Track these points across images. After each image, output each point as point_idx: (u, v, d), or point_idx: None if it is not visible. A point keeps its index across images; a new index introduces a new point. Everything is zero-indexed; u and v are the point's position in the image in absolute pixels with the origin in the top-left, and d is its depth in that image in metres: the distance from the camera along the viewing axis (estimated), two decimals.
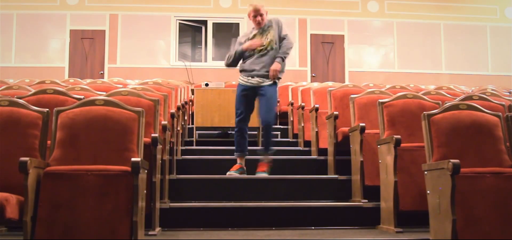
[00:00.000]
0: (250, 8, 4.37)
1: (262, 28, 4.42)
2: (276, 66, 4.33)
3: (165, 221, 3.47)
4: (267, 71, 4.35)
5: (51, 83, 5.44)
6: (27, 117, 2.89)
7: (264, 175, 4.25)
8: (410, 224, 3.32)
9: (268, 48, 4.38)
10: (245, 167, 4.36)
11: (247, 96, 4.42)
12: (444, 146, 3.01)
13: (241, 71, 4.48)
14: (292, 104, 6.57)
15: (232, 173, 4.26)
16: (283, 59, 4.38)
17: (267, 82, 4.37)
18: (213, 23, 10.89)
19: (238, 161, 4.38)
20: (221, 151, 5.19)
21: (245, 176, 4.26)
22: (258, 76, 4.37)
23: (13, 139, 2.81)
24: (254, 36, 4.44)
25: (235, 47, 4.50)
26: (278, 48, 4.39)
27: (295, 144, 5.91)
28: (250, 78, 4.39)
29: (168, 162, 3.95)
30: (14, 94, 3.91)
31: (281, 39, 4.41)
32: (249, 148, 4.52)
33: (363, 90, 4.68)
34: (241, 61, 4.50)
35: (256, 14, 4.35)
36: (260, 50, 4.38)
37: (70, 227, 2.55)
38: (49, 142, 2.94)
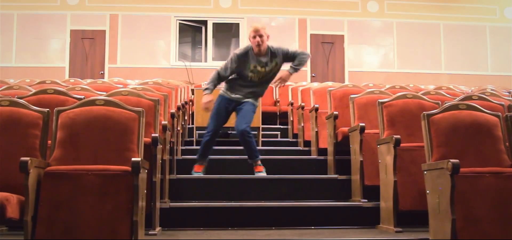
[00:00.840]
0: (250, 29, 4.20)
1: (263, 56, 4.22)
2: (285, 75, 4.25)
3: (165, 221, 3.47)
4: (251, 97, 4.31)
5: (51, 83, 5.45)
6: (27, 117, 2.89)
7: (263, 174, 4.24)
8: (409, 224, 3.32)
9: (264, 79, 4.31)
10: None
11: (227, 109, 4.34)
12: (444, 146, 3.01)
13: (227, 85, 4.36)
14: (292, 104, 6.57)
15: (200, 174, 4.25)
16: (295, 70, 4.28)
17: (249, 100, 4.32)
18: (213, 23, 10.89)
19: (200, 163, 4.31)
20: (221, 151, 5.18)
21: (245, 176, 4.25)
22: (242, 96, 4.31)
23: (14, 139, 2.82)
24: (254, 66, 4.23)
25: (229, 64, 4.24)
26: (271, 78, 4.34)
27: (295, 144, 5.92)
28: (234, 95, 4.31)
29: (168, 162, 3.95)
30: (15, 94, 3.92)
31: (293, 55, 4.27)
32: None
33: (363, 90, 4.69)
34: (231, 79, 4.33)
35: (256, 34, 4.13)
36: (253, 79, 4.26)
37: (70, 227, 2.55)
38: (49, 142, 2.95)
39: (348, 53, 10.88)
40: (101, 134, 2.93)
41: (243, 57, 4.22)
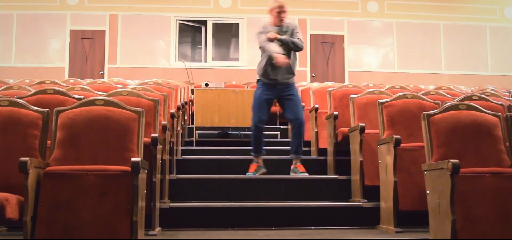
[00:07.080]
0: (274, 4, 4.38)
1: (280, 28, 4.40)
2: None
3: (165, 221, 3.47)
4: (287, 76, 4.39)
5: (51, 83, 5.45)
6: (27, 117, 2.89)
7: (305, 175, 4.26)
8: (409, 224, 3.32)
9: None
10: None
11: (270, 100, 4.45)
12: (444, 146, 3.01)
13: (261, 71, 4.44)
14: None
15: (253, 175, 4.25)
16: (291, 45, 4.38)
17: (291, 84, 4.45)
18: (213, 23, 10.89)
19: (256, 160, 4.34)
20: (221, 151, 5.19)
21: (245, 176, 4.26)
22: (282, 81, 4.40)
23: (13, 139, 2.81)
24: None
25: (262, 30, 4.42)
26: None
27: None
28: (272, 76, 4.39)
29: (168, 162, 3.95)
30: (14, 94, 3.92)
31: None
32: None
33: (363, 90, 4.69)
34: (261, 65, 4.43)
35: (281, 10, 4.38)
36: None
37: (70, 227, 2.55)
38: (49, 142, 2.95)
39: (348, 53, 10.88)
40: (101, 134, 2.93)
41: (266, 27, 4.42)
